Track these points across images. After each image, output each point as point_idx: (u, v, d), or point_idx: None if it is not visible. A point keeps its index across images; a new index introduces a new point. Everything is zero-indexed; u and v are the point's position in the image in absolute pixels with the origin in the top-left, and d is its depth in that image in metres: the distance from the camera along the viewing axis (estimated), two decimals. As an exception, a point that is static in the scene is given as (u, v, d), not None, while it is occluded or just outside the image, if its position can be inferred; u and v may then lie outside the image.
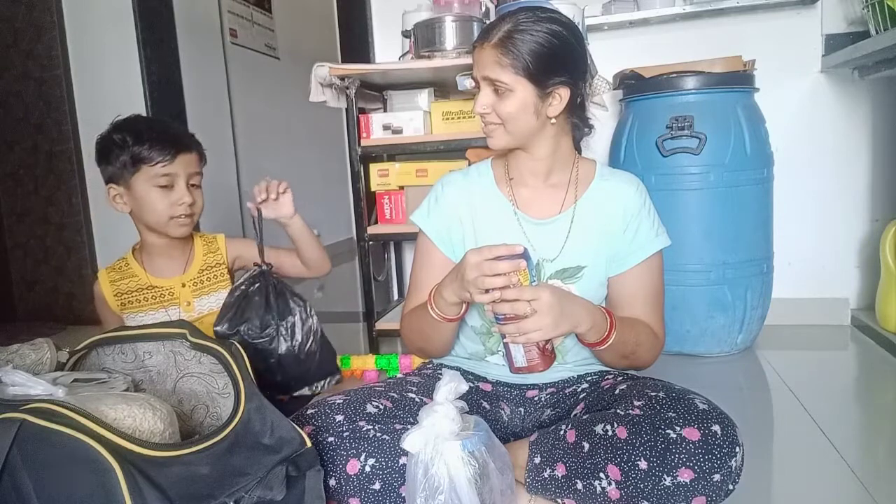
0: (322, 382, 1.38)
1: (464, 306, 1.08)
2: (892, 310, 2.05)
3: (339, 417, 1.02)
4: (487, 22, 2.01)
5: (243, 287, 1.30)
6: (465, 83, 1.92)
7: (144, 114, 2.74)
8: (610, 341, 1.07)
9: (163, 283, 1.37)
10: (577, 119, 1.17)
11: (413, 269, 1.28)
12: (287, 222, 1.39)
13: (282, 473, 0.86)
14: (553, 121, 1.12)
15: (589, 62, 1.80)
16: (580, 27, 1.98)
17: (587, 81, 1.22)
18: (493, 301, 0.97)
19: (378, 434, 0.99)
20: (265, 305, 1.28)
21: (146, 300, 1.36)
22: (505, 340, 1.01)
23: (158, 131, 1.30)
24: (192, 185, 1.33)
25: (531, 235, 1.17)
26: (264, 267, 1.33)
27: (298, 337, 1.30)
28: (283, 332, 1.28)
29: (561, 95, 1.10)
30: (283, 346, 1.28)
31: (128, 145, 1.28)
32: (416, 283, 1.26)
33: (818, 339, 2.21)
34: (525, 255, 0.99)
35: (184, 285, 1.38)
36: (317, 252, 1.44)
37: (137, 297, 1.36)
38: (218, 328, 1.26)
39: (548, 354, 1.03)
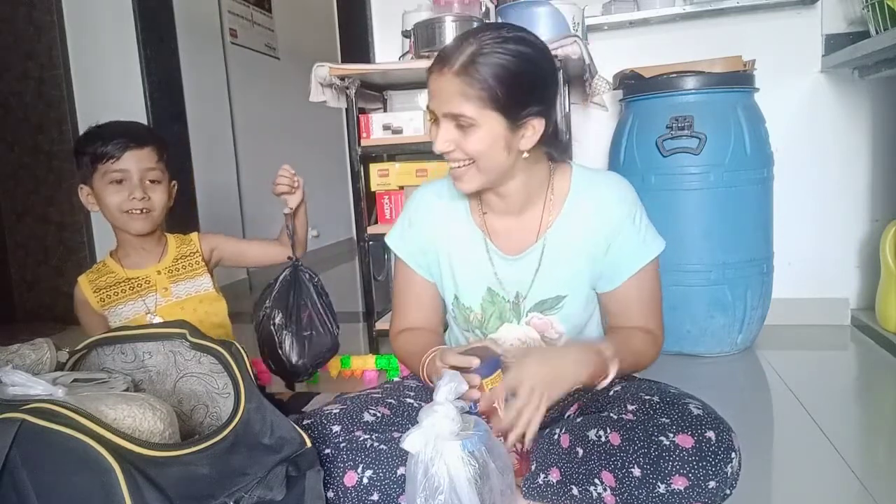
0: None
1: None
2: (892, 310, 2.05)
3: (336, 428, 1.00)
4: (487, 22, 2.01)
5: (279, 276, 1.48)
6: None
7: (144, 114, 2.75)
8: (609, 379, 1.01)
9: (138, 273, 1.41)
10: (551, 148, 1.09)
11: (395, 289, 1.25)
12: (300, 207, 1.48)
13: (282, 473, 0.86)
14: (526, 155, 1.02)
15: (588, 62, 1.81)
16: (580, 27, 1.98)
17: (558, 109, 1.14)
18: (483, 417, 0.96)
19: (376, 444, 0.97)
20: (283, 297, 1.47)
21: (123, 292, 1.40)
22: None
23: (112, 130, 1.34)
24: (151, 181, 1.35)
25: (501, 272, 1.12)
26: (297, 263, 1.48)
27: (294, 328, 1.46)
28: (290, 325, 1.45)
29: (535, 126, 1.00)
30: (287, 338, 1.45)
31: (85, 146, 1.33)
32: (399, 305, 1.24)
33: (818, 339, 2.20)
34: (493, 365, 0.97)
35: (159, 273, 1.42)
36: (304, 236, 1.52)
37: (116, 291, 1.40)
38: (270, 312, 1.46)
39: (525, 457, 1.03)
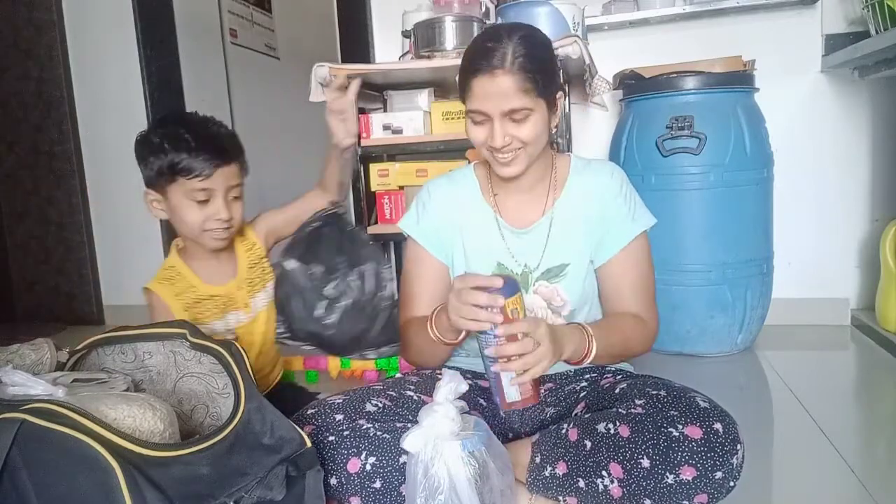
0: (385, 348, 1.24)
1: (462, 333, 1.07)
2: (892, 310, 2.05)
3: (339, 417, 1.02)
4: (487, 23, 2.01)
5: (316, 224, 1.23)
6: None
7: (144, 113, 2.75)
8: (591, 357, 1.07)
9: (220, 290, 1.28)
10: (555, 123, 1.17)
11: (403, 279, 1.27)
12: (352, 141, 1.27)
13: (282, 473, 0.86)
14: (554, 130, 1.14)
15: (588, 62, 1.81)
16: (580, 27, 1.98)
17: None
18: (499, 342, 0.96)
19: (379, 433, 1.00)
20: (337, 248, 1.19)
21: (209, 311, 1.26)
22: (495, 374, 0.99)
23: (200, 139, 1.17)
24: (232, 198, 1.22)
25: (512, 245, 1.19)
26: (339, 210, 1.26)
27: (369, 287, 1.18)
28: (352, 280, 1.17)
29: (559, 102, 1.13)
30: (349, 296, 1.16)
31: (165, 152, 1.15)
32: (408, 293, 1.25)
33: (818, 339, 2.20)
34: (514, 286, 0.98)
35: (239, 288, 1.30)
36: (345, 180, 1.35)
37: (200, 309, 1.25)
38: (286, 263, 1.20)
39: (537, 386, 1.04)
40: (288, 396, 1.35)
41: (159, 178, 1.17)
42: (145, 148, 1.18)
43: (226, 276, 1.29)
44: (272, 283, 1.31)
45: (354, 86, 1.23)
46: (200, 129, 1.19)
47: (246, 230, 1.33)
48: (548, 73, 1.07)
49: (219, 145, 1.19)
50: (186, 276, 1.25)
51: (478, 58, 1.05)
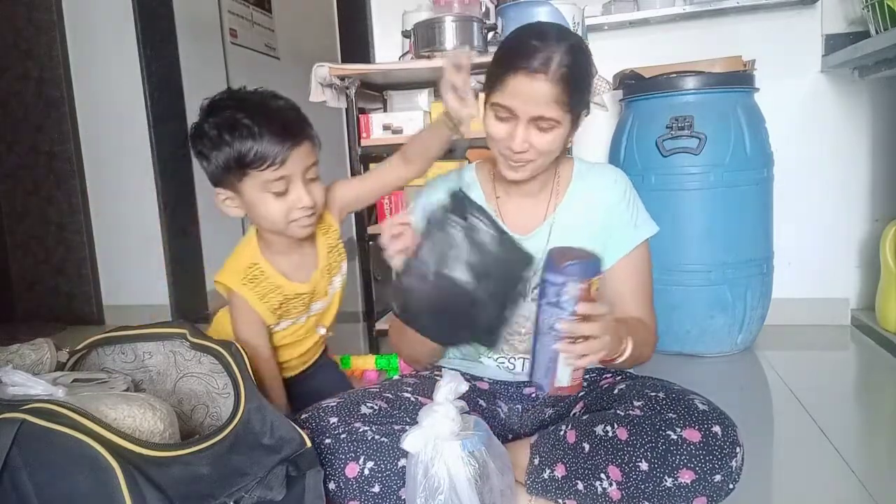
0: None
1: None
2: (892, 310, 2.05)
3: (334, 420, 1.01)
4: (487, 23, 2.01)
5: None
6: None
7: (144, 114, 2.74)
8: (624, 356, 1.03)
9: (306, 288, 1.19)
10: None
11: None
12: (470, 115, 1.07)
13: (282, 473, 0.86)
14: (569, 146, 1.13)
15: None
16: (580, 27, 1.98)
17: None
18: (575, 319, 0.90)
19: (376, 436, 0.99)
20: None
21: (294, 308, 1.20)
22: (553, 352, 0.92)
23: (262, 121, 1.02)
24: (310, 179, 1.10)
25: None
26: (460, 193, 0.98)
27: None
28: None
29: (581, 121, 1.10)
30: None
31: (226, 143, 1.02)
32: None
33: (818, 339, 2.20)
34: (598, 267, 0.93)
35: (322, 277, 1.22)
36: (435, 154, 1.21)
37: (287, 308, 1.19)
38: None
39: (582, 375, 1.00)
40: (329, 375, 1.39)
41: (227, 174, 1.05)
42: (202, 142, 1.05)
43: (309, 268, 1.20)
44: (345, 262, 1.27)
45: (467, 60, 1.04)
46: (259, 109, 1.04)
47: (327, 217, 1.24)
48: (583, 91, 1.05)
49: (285, 123, 1.04)
50: (271, 277, 1.15)
51: (521, 55, 1.01)
